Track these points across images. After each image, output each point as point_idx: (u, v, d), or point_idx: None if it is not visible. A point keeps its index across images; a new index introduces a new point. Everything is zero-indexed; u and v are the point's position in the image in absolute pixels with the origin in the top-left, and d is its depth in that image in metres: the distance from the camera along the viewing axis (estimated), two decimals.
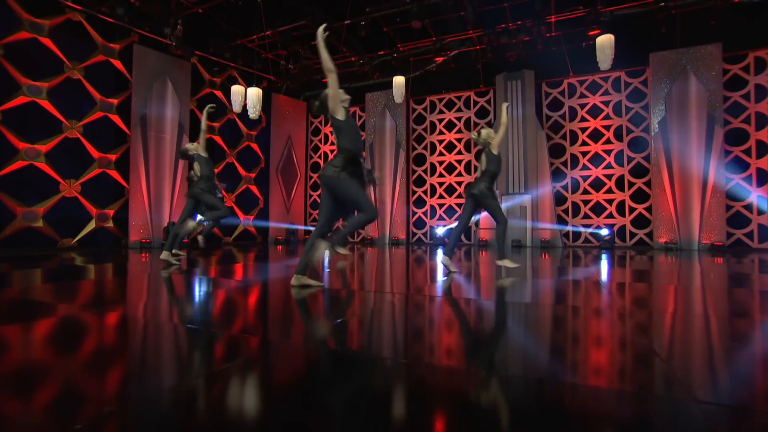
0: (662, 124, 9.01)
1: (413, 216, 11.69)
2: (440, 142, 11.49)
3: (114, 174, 8.37)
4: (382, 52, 10.76)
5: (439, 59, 10.82)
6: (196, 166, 5.36)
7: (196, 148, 5.37)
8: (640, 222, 9.47)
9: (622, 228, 9.63)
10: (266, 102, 11.53)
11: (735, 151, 8.79)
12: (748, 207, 8.69)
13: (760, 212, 8.59)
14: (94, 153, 8.08)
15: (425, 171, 11.58)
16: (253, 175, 11.35)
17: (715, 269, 4.98)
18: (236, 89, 8.43)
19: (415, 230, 11.69)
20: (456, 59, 10.90)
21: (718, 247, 8.38)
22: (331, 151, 12.88)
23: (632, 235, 9.57)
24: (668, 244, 8.79)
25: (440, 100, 11.53)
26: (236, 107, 8.52)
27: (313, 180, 13.13)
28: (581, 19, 8.97)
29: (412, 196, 11.70)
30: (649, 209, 9.36)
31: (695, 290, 3.44)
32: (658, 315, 2.47)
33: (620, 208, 9.67)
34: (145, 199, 8.65)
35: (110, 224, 8.31)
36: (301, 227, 12.42)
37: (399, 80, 9.32)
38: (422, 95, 11.65)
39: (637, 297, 3.18)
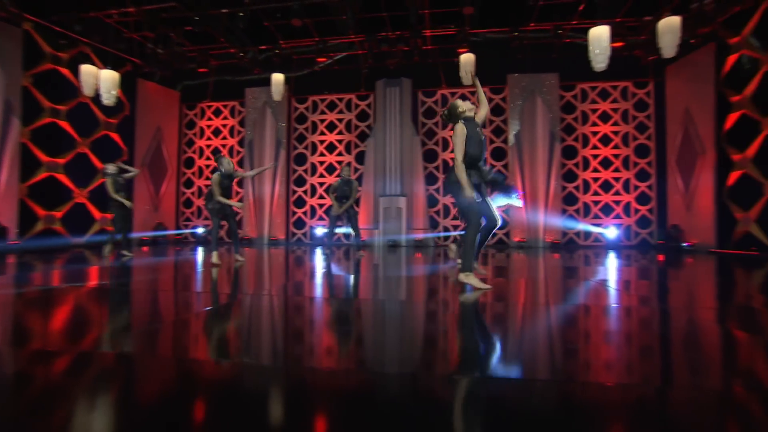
0: (517, 137, 10.01)
1: (293, 216, 11.33)
2: (321, 142, 11.31)
3: None
4: (263, 47, 10.23)
5: (322, 60, 10.65)
6: None
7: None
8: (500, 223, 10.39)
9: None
10: (131, 88, 10.17)
11: (569, 164, 10.14)
12: (578, 211, 10.10)
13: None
14: None
15: (306, 171, 11.30)
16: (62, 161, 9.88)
17: (553, 263, 5.62)
18: (86, 69, 7.22)
19: (294, 230, 11.34)
20: (339, 62, 10.83)
21: (557, 244, 9.58)
22: (208, 146, 11.88)
23: (493, 234, 10.45)
24: (521, 242, 9.80)
25: (322, 101, 11.35)
26: (87, 90, 7.29)
27: (186, 176, 11.96)
28: (452, 36, 9.56)
29: (292, 195, 11.34)
30: (507, 212, 10.32)
31: (540, 282, 3.79)
32: (512, 306, 2.62)
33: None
34: None
35: None
36: (172, 231, 11.23)
37: (278, 78, 8.92)
38: (305, 95, 11.35)
39: (496, 290, 3.34)
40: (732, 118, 8.36)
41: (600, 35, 6.42)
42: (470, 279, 3.22)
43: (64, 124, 8.86)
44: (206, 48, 10.23)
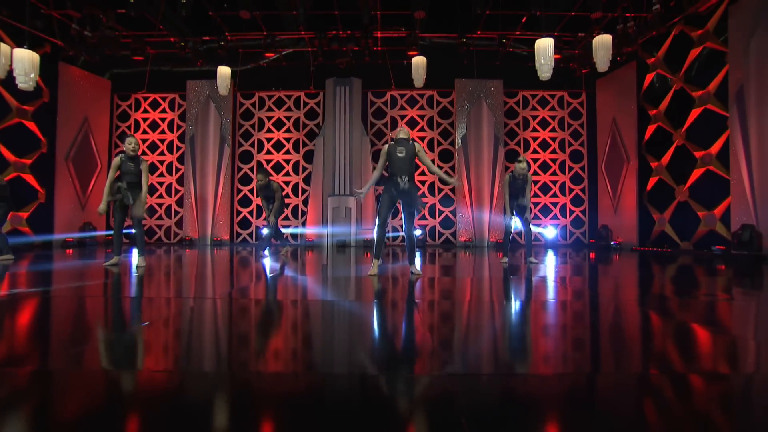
0: (464, 140, 10.16)
1: (238, 216, 10.66)
2: (268, 140, 10.74)
3: None
4: (207, 38, 9.49)
5: (270, 55, 10.11)
6: None
7: None
8: (447, 223, 10.51)
9: (432, 228, 10.53)
10: (51, 73, 8.96)
11: (511, 167, 10.45)
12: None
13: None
14: None
15: (252, 169, 10.67)
16: (28, 161, 8.66)
17: (497, 263, 5.70)
18: None
19: (239, 230, 10.68)
20: (287, 58, 10.35)
21: (500, 244, 9.85)
22: (144, 140, 10.82)
23: (440, 234, 10.56)
24: (467, 242, 9.96)
25: (270, 97, 10.79)
26: None
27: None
28: (403, 39, 9.48)
29: (237, 194, 10.67)
30: (453, 212, 10.45)
31: (485, 280, 3.75)
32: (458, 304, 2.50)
33: (431, 211, 10.55)
34: None
35: None
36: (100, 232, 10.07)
37: (224, 71, 8.29)
38: (251, 90, 10.72)
39: (443, 289, 3.40)
40: (650, 130, 9.08)
41: (545, 47, 6.63)
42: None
43: None
44: (142, 35, 9.29)
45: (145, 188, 4.64)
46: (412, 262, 4.18)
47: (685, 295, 3.17)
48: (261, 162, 10.56)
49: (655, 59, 8.88)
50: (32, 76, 5.97)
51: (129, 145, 4.61)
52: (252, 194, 10.59)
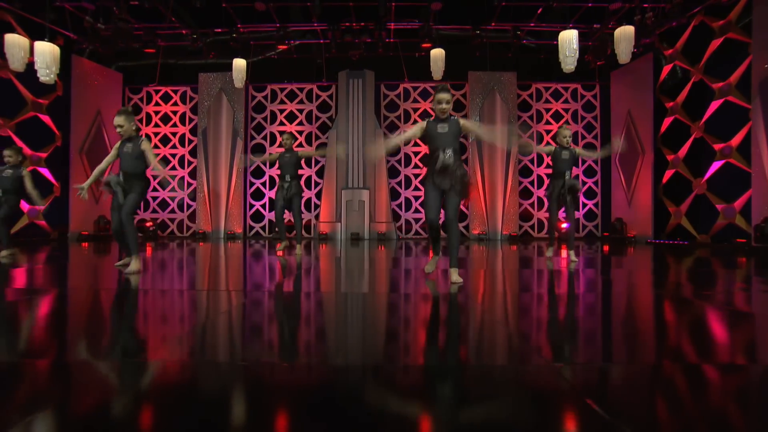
0: None
1: (251, 209, 10.55)
2: (281, 133, 10.59)
3: None
4: (219, 30, 9.29)
5: (283, 47, 9.91)
6: None
7: None
8: (460, 216, 10.38)
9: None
10: (65, 65, 8.78)
11: (524, 160, 10.34)
12: (532, 205, 10.35)
13: None
14: None
15: (264, 162, 10.52)
16: (44, 155, 8.54)
17: (512, 254, 5.59)
18: (14, 39, 5.99)
19: (252, 224, 10.57)
20: (299, 50, 10.15)
21: (514, 237, 9.75)
22: (156, 133, 10.67)
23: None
24: (480, 235, 9.85)
25: (282, 90, 10.61)
26: (15, 64, 6.07)
27: None
28: (416, 31, 9.28)
29: (250, 187, 10.54)
30: (467, 205, 10.31)
31: (498, 273, 3.64)
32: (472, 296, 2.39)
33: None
34: None
35: None
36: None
37: (240, 63, 8.13)
38: (263, 82, 10.54)
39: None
40: (667, 122, 8.92)
41: (569, 38, 6.46)
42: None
43: None
44: (153, 27, 9.10)
45: (154, 162, 3.60)
46: (453, 264, 3.21)
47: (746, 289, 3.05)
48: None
49: (673, 50, 8.68)
50: (53, 69, 5.82)
51: (118, 124, 3.62)
52: (265, 187, 10.47)
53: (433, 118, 3.27)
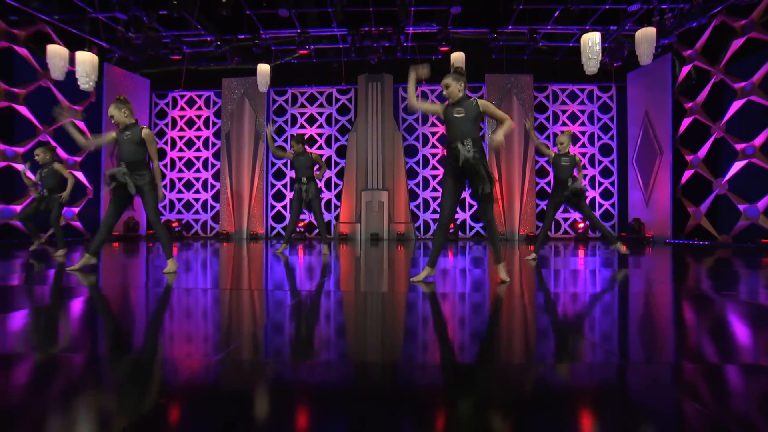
0: None
1: (272, 210, 10.76)
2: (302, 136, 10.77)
3: None
4: (242, 36, 9.51)
5: (304, 52, 10.09)
6: None
7: None
8: (477, 217, 10.45)
9: (464, 222, 10.48)
10: (98, 73, 9.10)
11: (541, 161, 10.35)
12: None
13: None
14: None
15: (285, 164, 10.73)
16: (78, 158, 8.85)
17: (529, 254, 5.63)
18: (55, 50, 6.28)
19: (274, 224, 10.78)
20: (318, 54, 10.33)
21: (531, 237, 9.77)
22: (180, 137, 10.96)
23: (471, 228, 10.51)
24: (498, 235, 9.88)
25: (302, 94, 10.80)
26: (57, 73, 6.36)
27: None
28: (434, 34, 9.38)
29: (272, 189, 10.75)
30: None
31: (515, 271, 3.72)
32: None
33: (462, 204, 10.50)
34: None
35: None
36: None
37: (264, 68, 8.32)
38: (283, 86, 10.74)
39: (474, 281, 3.40)
40: (686, 123, 8.85)
41: (592, 40, 6.48)
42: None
43: (22, 109, 7.77)
44: (180, 34, 9.36)
45: (155, 158, 3.50)
46: (498, 260, 3.18)
47: None
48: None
49: (692, 51, 8.62)
50: (93, 77, 6.08)
51: (110, 114, 3.50)
52: (286, 189, 10.67)
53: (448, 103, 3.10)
